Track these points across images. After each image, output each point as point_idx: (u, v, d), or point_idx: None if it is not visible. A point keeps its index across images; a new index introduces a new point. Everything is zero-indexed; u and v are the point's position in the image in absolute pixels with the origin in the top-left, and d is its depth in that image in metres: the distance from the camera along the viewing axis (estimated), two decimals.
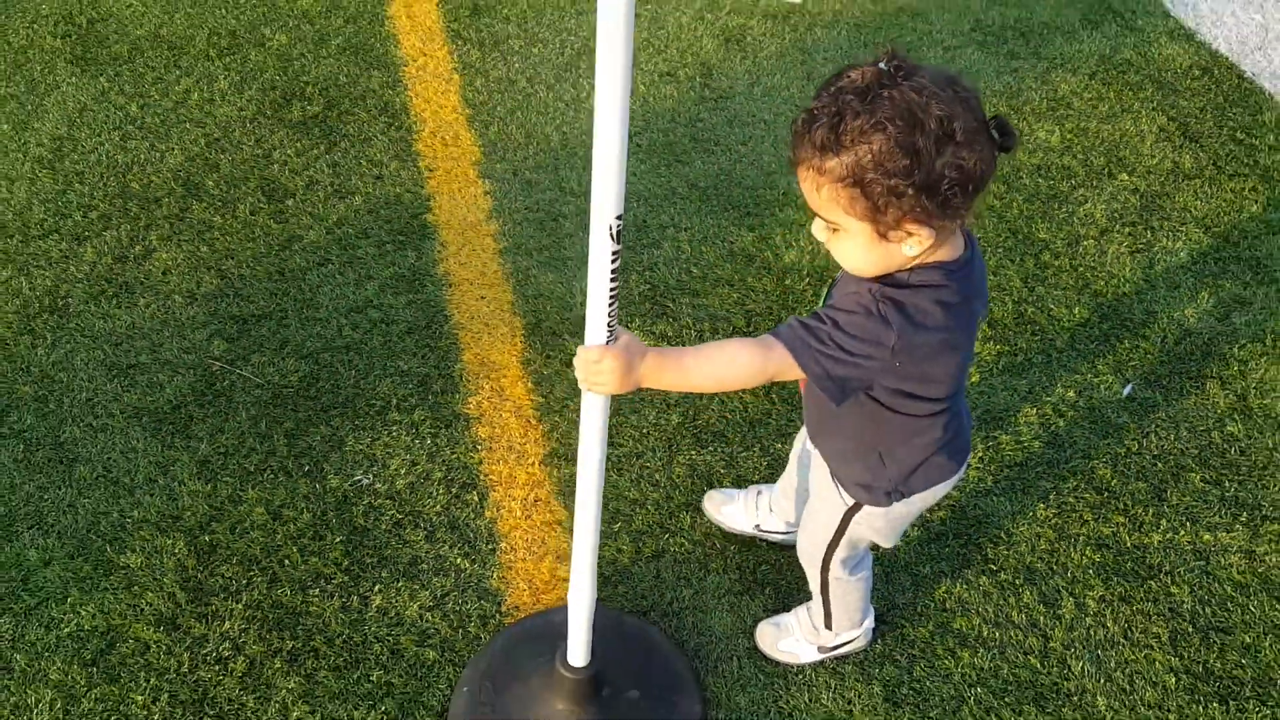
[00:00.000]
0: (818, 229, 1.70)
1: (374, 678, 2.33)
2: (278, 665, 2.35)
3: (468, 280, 3.20)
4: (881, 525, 2.01)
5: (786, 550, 2.52)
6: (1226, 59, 4.07)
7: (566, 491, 2.68)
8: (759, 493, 2.56)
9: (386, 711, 2.28)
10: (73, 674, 2.32)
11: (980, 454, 2.75)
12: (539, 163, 3.60)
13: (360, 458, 2.75)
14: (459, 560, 2.54)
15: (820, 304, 1.80)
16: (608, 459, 1.93)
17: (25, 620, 2.42)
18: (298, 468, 2.72)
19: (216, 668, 2.35)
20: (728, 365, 1.71)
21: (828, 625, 2.28)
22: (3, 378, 2.91)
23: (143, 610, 2.44)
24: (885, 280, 1.67)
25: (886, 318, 1.62)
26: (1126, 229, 3.36)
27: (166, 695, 2.30)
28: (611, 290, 1.59)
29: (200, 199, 3.45)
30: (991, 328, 3.05)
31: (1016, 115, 3.79)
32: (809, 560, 2.20)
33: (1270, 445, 2.77)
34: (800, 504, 2.32)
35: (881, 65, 1.54)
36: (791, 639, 2.35)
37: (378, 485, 2.69)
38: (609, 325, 1.62)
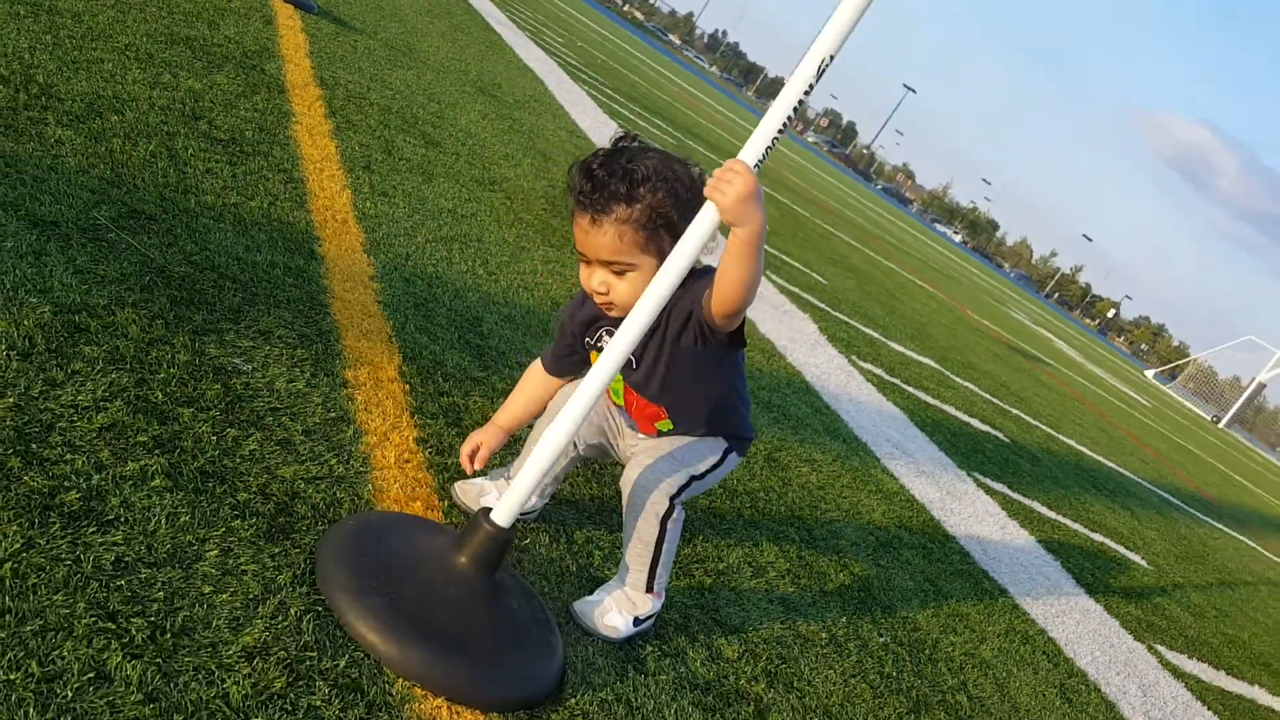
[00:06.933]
0: (599, 280, 2.18)
1: (240, 498, 2.07)
2: (141, 440, 2.05)
3: (349, 303, 3.20)
4: (729, 469, 2.49)
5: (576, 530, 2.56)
6: (922, 505, 4.97)
7: (435, 468, 2.61)
8: (505, 478, 2.64)
9: (254, 525, 2.02)
10: None
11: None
12: (417, 273, 3.76)
13: (240, 352, 2.57)
14: (334, 463, 2.37)
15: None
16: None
17: None
18: (176, 324, 2.51)
19: (72, 411, 2.02)
20: (758, 274, 2.04)
21: (649, 588, 2.41)
22: None
23: None
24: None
25: None
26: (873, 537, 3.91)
27: (11, 403, 1.93)
28: (782, 126, 1.90)
29: (103, 119, 3.32)
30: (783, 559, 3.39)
31: (784, 452, 4.41)
32: (661, 493, 2.35)
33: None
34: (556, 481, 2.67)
35: (624, 143, 2.20)
36: (613, 613, 2.39)
37: (256, 374, 2.51)
38: (764, 153, 1.91)
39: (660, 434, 2.46)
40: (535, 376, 2.57)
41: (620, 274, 2.12)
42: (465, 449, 2.51)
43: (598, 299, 2.19)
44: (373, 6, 9.07)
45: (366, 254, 3.65)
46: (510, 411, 2.56)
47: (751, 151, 1.91)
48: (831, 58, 1.86)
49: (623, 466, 2.47)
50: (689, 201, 2.03)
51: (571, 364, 2.51)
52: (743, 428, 2.53)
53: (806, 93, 1.88)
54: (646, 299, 1.99)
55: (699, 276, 2.18)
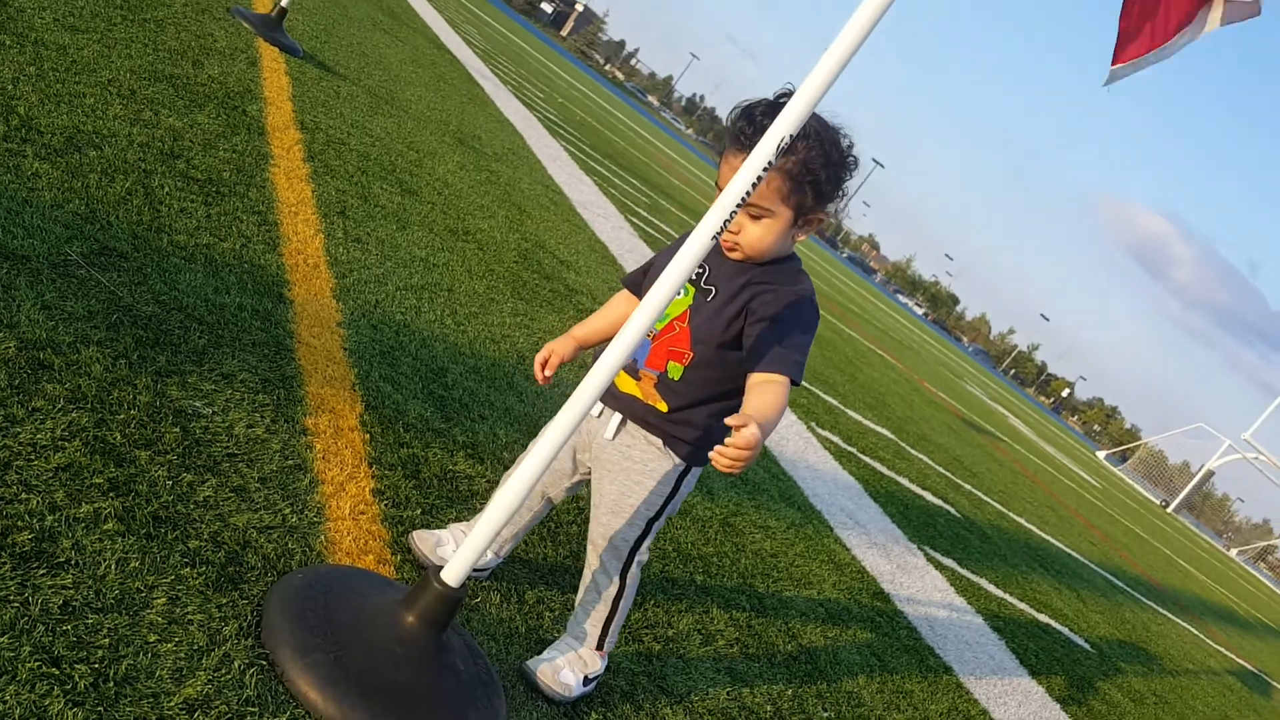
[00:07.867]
0: (735, 220, 2.15)
1: (191, 545, 2.07)
2: (97, 482, 2.05)
3: (314, 349, 3.21)
4: (689, 489, 2.47)
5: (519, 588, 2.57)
6: (873, 577, 5.00)
7: (390, 521, 2.61)
8: (463, 531, 2.63)
9: (203, 573, 2.01)
10: None
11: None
12: (385, 320, 3.78)
13: (202, 395, 2.58)
14: (288, 513, 2.37)
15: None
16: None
17: None
18: (140, 365, 2.51)
19: (30, 449, 2.02)
20: (778, 417, 2.12)
21: (600, 644, 2.46)
22: None
23: None
24: (799, 272, 2.31)
25: (816, 307, 2.31)
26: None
27: None
28: (741, 200, 1.94)
29: (81, 154, 3.33)
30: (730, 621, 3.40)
31: (740, 517, 4.44)
32: (620, 547, 2.42)
33: None
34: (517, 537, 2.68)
35: (787, 100, 2.21)
36: (566, 671, 2.41)
37: (216, 417, 2.51)
38: (722, 226, 1.95)
39: (664, 375, 2.33)
40: (618, 296, 2.59)
41: (756, 218, 2.19)
42: (539, 357, 2.48)
43: (726, 237, 2.21)
44: (357, 53, 9.15)
45: (336, 299, 3.67)
46: (590, 325, 2.55)
47: (709, 225, 1.96)
48: (792, 137, 1.93)
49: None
50: (838, 164, 2.17)
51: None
52: (712, 441, 2.38)
53: (766, 169, 1.94)
54: (645, 311, 2.00)
55: (789, 269, 2.30)
